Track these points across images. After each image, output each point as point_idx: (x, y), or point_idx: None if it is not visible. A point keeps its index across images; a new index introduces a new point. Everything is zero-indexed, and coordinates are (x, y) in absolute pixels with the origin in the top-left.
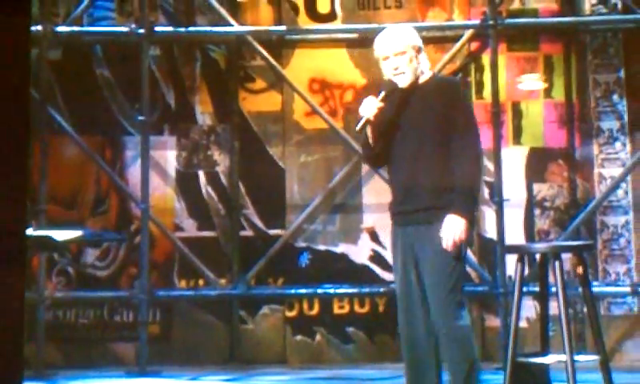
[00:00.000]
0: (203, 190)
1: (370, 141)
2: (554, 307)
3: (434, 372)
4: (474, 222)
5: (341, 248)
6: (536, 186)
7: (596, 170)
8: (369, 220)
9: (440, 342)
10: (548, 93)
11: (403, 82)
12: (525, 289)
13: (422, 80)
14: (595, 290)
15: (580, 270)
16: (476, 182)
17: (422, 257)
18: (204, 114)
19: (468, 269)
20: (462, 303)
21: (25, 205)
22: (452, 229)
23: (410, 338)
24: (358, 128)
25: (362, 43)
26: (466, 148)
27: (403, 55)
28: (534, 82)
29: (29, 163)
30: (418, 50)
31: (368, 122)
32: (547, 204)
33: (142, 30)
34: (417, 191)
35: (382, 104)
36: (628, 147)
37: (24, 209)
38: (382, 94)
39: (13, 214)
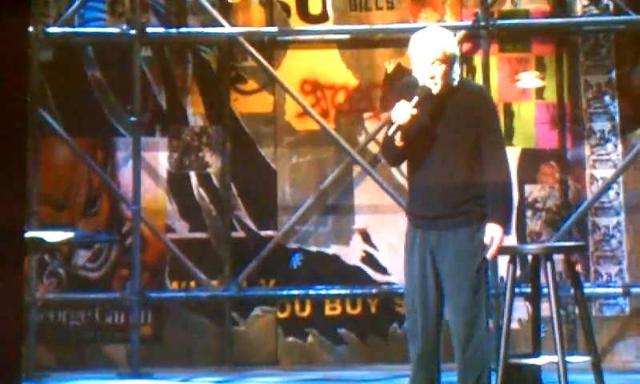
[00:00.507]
0: (195, 192)
1: (397, 143)
2: (546, 308)
3: (438, 372)
4: (509, 228)
5: (333, 249)
6: (528, 187)
7: (587, 171)
8: (361, 221)
9: (454, 344)
10: (540, 94)
11: (436, 90)
12: (517, 290)
13: (452, 87)
14: (587, 291)
15: (579, 267)
16: (510, 188)
17: (442, 261)
18: (195, 115)
19: None
20: (483, 309)
21: (23, 205)
22: (493, 237)
23: (424, 337)
24: (390, 133)
25: (354, 44)
26: (497, 157)
27: (441, 64)
28: (532, 79)
29: (27, 164)
30: (455, 60)
31: (400, 128)
32: (539, 205)
33: (133, 31)
34: (441, 197)
35: (415, 111)
36: (619, 148)
37: (22, 209)
38: (416, 99)
39: (11, 215)
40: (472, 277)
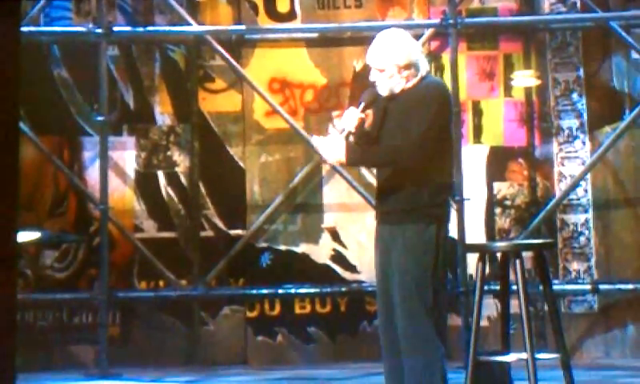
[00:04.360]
0: (163, 191)
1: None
2: (515, 306)
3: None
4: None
5: (302, 248)
6: (496, 185)
7: (556, 169)
8: (330, 219)
9: (400, 341)
10: (508, 91)
11: (381, 92)
12: (486, 287)
13: (407, 86)
14: (556, 288)
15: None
16: (389, 158)
17: (392, 255)
18: (163, 114)
19: None
20: (427, 306)
21: (16, 206)
22: (330, 149)
23: (389, 335)
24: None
25: (322, 43)
26: (406, 136)
27: (382, 72)
28: (527, 78)
29: (19, 166)
30: (404, 67)
31: (350, 133)
32: (508, 203)
33: (99, 30)
34: (391, 193)
35: (362, 115)
36: (587, 145)
37: (15, 210)
38: (362, 104)
39: (4, 215)
40: (417, 274)
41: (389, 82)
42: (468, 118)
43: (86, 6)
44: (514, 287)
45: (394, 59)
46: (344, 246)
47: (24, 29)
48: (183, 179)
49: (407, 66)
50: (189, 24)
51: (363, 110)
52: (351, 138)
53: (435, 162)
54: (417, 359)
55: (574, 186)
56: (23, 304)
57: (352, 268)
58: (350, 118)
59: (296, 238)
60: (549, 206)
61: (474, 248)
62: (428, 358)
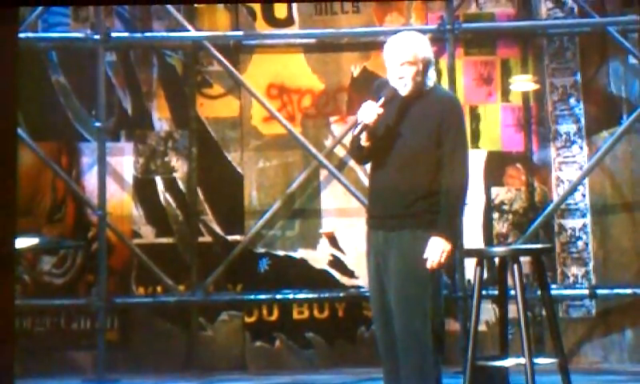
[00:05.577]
0: (161, 197)
1: (363, 143)
2: (513, 310)
3: None
4: (457, 241)
5: (300, 253)
6: (494, 190)
7: (554, 174)
8: (328, 225)
9: (397, 346)
10: (505, 96)
11: (404, 92)
12: (484, 292)
13: (423, 91)
14: (554, 292)
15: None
16: (461, 199)
17: (388, 262)
18: (161, 119)
19: None
20: (425, 313)
21: (15, 212)
22: (436, 252)
23: (386, 341)
24: (355, 133)
25: (320, 48)
26: (454, 163)
27: (411, 66)
28: (525, 83)
29: (17, 171)
30: (428, 63)
31: (366, 127)
32: (505, 207)
33: (97, 36)
34: (391, 198)
35: (381, 110)
36: (585, 150)
37: (14, 216)
38: (382, 99)
39: (3, 221)
40: (415, 280)
41: (414, 80)
42: (466, 128)
43: (83, 12)
44: (512, 292)
45: (424, 53)
46: (342, 251)
47: (22, 35)
48: (181, 185)
49: (430, 64)
50: (187, 30)
51: (382, 106)
52: (365, 133)
53: (435, 168)
54: (413, 364)
55: (572, 190)
56: (21, 309)
57: (350, 273)
58: (368, 112)
59: (294, 243)
60: (546, 211)
61: (471, 253)
62: (424, 363)
